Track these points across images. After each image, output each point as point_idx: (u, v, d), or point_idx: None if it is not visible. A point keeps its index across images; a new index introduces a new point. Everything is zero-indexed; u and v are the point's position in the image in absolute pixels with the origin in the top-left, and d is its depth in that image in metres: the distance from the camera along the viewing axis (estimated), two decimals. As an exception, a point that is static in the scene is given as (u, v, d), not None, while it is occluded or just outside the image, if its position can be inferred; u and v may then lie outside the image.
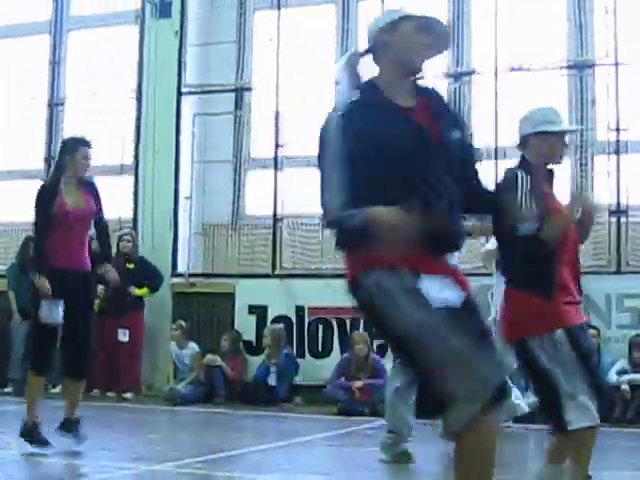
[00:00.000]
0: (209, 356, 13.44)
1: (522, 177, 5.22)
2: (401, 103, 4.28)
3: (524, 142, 5.69)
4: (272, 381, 13.13)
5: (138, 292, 13.70)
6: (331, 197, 4.10)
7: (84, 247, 8.54)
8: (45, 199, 8.47)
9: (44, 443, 8.22)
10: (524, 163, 5.62)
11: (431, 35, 4.34)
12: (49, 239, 8.37)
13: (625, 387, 11.33)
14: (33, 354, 8.67)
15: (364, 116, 4.23)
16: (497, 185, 5.20)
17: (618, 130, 12.75)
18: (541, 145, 5.60)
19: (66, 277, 8.32)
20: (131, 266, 13.65)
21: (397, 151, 4.15)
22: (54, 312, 8.30)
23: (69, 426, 8.46)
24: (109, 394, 13.56)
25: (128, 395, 13.35)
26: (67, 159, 8.62)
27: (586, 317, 5.98)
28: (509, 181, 5.28)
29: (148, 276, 13.94)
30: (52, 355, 8.59)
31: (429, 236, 3.98)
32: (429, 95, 4.43)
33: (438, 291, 4.02)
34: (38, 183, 15.12)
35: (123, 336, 13.62)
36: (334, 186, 4.11)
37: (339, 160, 4.15)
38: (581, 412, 5.37)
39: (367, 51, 4.40)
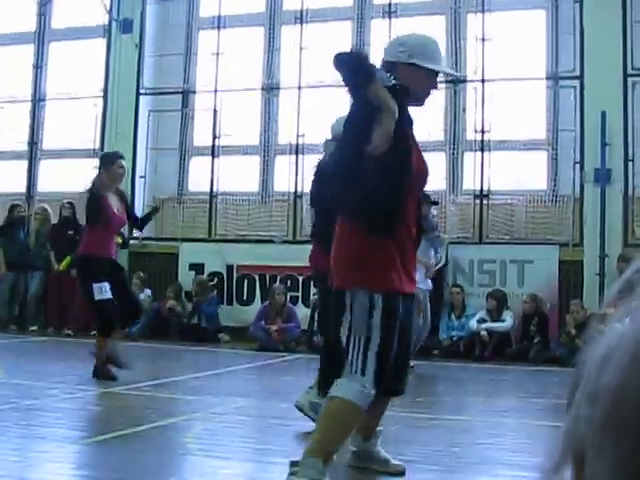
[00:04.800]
0: (171, 301, 13.22)
1: None
2: None
3: None
4: (203, 322, 13.04)
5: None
6: None
7: None
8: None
9: None
10: None
11: None
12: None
13: (484, 333, 11.46)
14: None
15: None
16: None
17: (483, 132, 12.92)
18: None
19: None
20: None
21: None
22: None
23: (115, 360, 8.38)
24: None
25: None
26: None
27: None
28: None
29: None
30: None
31: None
32: None
33: None
34: (23, 162, 14.99)
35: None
36: None
37: None
38: None
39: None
